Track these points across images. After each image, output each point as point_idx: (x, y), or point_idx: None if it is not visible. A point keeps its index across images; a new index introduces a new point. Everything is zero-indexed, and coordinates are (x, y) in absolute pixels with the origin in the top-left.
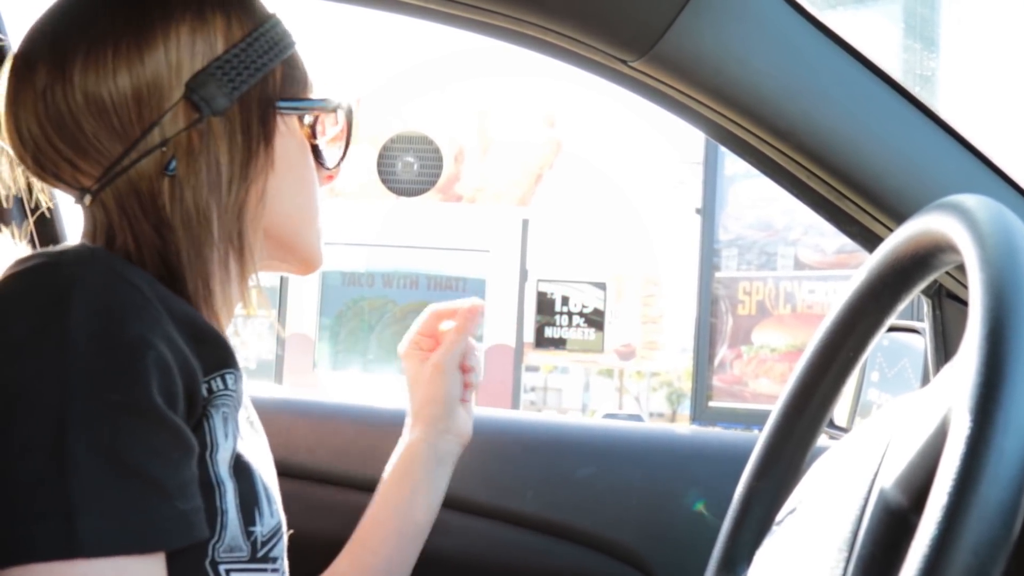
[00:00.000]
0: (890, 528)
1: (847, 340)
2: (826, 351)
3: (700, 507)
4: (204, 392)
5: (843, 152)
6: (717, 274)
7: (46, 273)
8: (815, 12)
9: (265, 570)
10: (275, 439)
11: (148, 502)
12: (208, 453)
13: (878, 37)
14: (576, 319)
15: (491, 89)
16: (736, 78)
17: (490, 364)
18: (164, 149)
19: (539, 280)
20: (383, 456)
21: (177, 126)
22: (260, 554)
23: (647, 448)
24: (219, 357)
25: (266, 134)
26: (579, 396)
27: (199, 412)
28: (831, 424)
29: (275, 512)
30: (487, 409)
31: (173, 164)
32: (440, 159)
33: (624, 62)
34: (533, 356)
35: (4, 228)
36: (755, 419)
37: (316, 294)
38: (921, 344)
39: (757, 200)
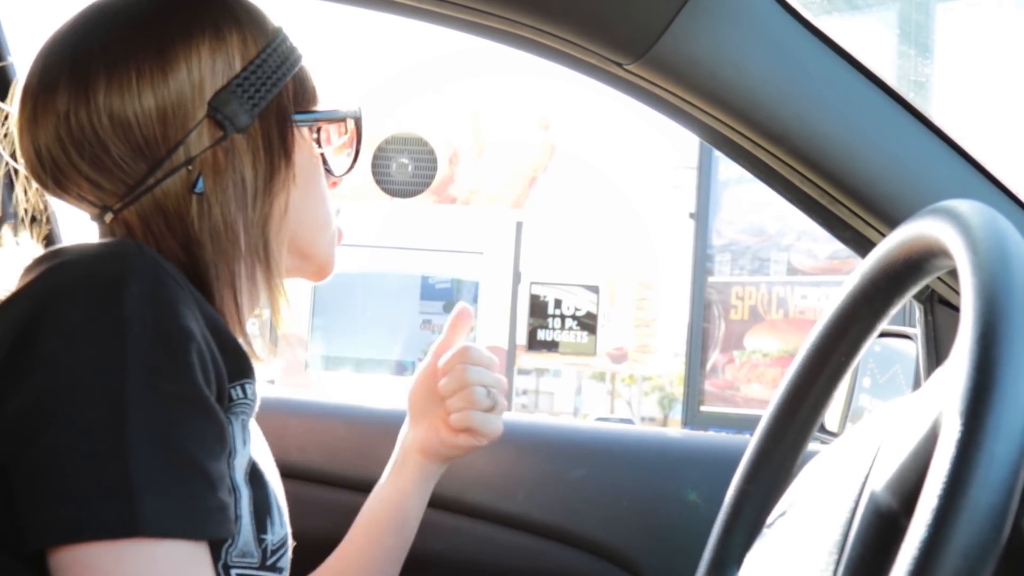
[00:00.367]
0: (880, 531)
1: (839, 344)
2: (818, 355)
3: (694, 497)
4: (227, 398)
5: (837, 157)
6: (710, 279)
7: (99, 263)
8: (811, 17)
9: None
10: (267, 438)
11: (199, 490)
12: (229, 458)
13: (873, 43)
14: (569, 322)
15: (486, 90)
16: (731, 82)
17: None
18: (190, 168)
19: (532, 283)
20: (374, 456)
21: (202, 144)
22: (269, 562)
23: (639, 451)
24: (240, 366)
25: (286, 148)
26: (571, 400)
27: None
28: (822, 428)
29: (284, 523)
30: None
31: (201, 182)
32: (434, 161)
33: (620, 65)
34: (526, 358)
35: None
36: (747, 424)
37: (308, 295)
38: (913, 350)
39: (751, 205)
